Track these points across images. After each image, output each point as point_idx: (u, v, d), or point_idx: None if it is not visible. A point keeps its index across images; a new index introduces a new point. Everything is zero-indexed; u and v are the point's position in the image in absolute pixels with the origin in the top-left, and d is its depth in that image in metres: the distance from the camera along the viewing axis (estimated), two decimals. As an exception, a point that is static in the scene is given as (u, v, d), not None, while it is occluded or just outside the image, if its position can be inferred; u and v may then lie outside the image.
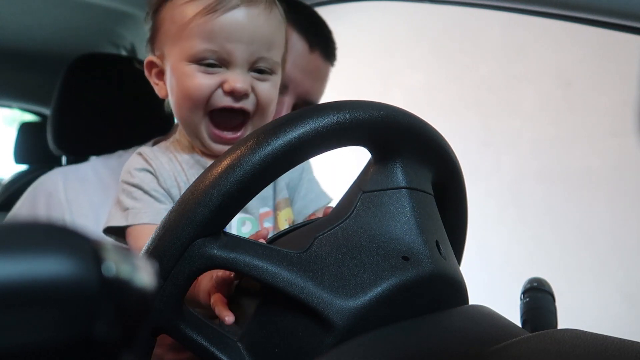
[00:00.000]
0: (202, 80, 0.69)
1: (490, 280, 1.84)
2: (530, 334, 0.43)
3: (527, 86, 1.86)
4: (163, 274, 0.45)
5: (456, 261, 0.55)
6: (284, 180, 0.81)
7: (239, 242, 0.47)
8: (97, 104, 1.17)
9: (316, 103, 1.02)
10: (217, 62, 0.70)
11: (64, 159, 1.55)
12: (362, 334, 0.44)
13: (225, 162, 0.45)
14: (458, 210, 0.64)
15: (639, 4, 0.66)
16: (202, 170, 0.73)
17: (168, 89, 0.75)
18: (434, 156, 0.56)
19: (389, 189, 0.52)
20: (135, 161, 0.75)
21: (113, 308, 0.21)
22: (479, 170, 1.94)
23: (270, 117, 0.76)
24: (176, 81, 0.72)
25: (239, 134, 0.73)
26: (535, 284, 0.68)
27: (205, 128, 0.72)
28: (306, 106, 0.98)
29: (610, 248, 1.68)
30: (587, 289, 1.71)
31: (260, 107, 0.73)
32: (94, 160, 1.04)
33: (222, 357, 0.47)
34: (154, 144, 0.96)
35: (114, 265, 0.21)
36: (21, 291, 0.19)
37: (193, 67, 0.70)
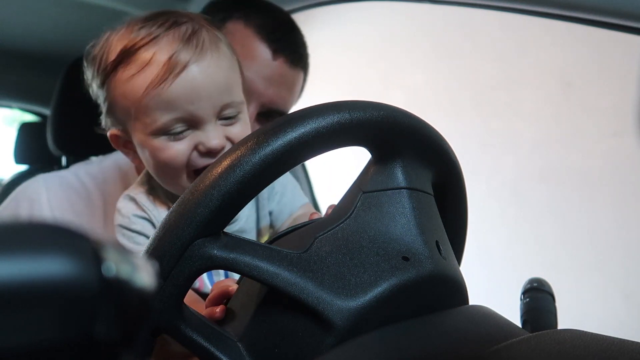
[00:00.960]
0: (177, 148, 0.67)
1: (491, 280, 1.84)
2: (530, 334, 0.43)
3: (527, 86, 1.86)
4: (163, 274, 0.45)
5: (456, 261, 0.55)
6: (266, 208, 0.81)
7: (239, 243, 0.47)
8: (97, 104, 1.17)
9: (285, 111, 0.97)
10: (184, 126, 0.67)
11: (63, 159, 1.55)
12: (362, 334, 0.44)
13: (226, 163, 0.45)
14: (458, 210, 0.64)
15: (639, 4, 0.66)
16: None
17: (142, 160, 0.72)
18: (434, 156, 0.56)
19: (389, 189, 0.52)
20: (130, 207, 0.73)
21: (113, 308, 0.21)
22: (479, 170, 1.94)
23: None
24: (150, 155, 0.69)
25: None
26: (535, 284, 0.68)
27: (189, 182, 0.69)
28: (274, 114, 0.95)
29: (611, 248, 1.67)
30: (587, 289, 1.71)
31: None
32: (75, 167, 1.01)
33: (222, 357, 0.47)
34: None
35: (114, 265, 0.21)
36: (21, 291, 0.19)
37: (162, 139, 0.67)
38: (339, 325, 0.45)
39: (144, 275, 0.23)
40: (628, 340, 0.39)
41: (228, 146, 0.69)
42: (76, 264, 0.20)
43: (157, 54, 0.66)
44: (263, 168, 0.45)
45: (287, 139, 0.45)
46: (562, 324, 0.60)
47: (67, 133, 1.21)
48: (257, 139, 0.45)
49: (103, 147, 1.10)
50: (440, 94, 2.14)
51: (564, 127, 1.77)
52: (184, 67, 0.65)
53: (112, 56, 0.69)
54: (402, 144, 0.52)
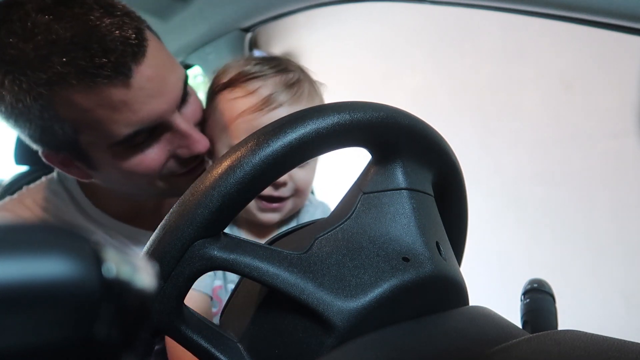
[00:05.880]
0: None
1: (491, 281, 1.84)
2: (531, 335, 0.43)
3: (527, 87, 1.86)
4: (163, 275, 0.45)
5: (456, 262, 0.55)
6: None
7: (239, 243, 0.47)
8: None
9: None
10: None
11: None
12: (363, 335, 0.44)
13: (226, 163, 0.45)
14: (458, 211, 0.64)
15: (639, 5, 0.66)
16: None
17: None
18: (434, 157, 0.56)
19: (389, 190, 0.52)
20: None
21: (113, 309, 0.21)
22: (479, 171, 1.94)
23: (306, 197, 0.84)
24: None
25: (282, 203, 0.80)
26: (535, 285, 0.68)
27: (255, 204, 0.80)
28: None
29: (611, 249, 1.67)
30: (587, 290, 1.71)
31: (297, 192, 0.80)
32: (21, 195, 0.94)
33: (223, 358, 0.47)
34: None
35: (114, 266, 0.21)
36: (21, 292, 0.19)
37: None
38: (339, 326, 0.45)
39: (144, 276, 0.23)
40: (628, 341, 0.39)
41: (290, 186, 0.80)
42: (76, 265, 0.20)
43: (262, 88, 0.76)
44: (263, 169, 0.45)
45: (287, 140, 0.45)
46: (562, 325, 0.60)
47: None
48: (257, 140, 0.45)
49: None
50: (441, 95, 2.14)
51: (564, 128, 1.77)
52: (279, 106, 0.76)
53: (225, 79, 0.80)
54: (402, 145, 0.52)
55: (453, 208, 0.63)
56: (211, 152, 0.83)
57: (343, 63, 2.39)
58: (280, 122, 0.47)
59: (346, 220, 0.50)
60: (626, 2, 0.67)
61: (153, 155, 0.77)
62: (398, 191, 0.52)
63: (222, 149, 0.79)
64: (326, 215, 0.89)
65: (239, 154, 0.45)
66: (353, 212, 0.51)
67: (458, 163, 0.59)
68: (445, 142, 0.56)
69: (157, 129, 0.76)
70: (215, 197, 0.44)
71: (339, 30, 2.39)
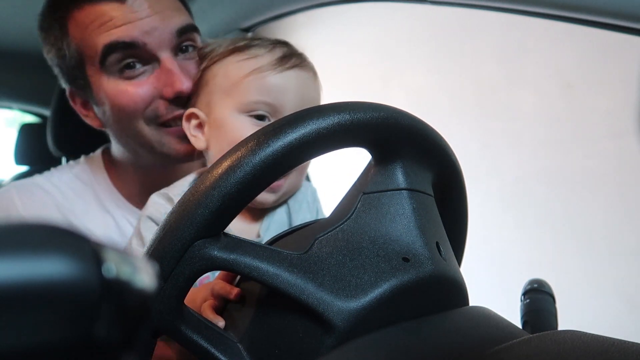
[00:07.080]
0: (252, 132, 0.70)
1: (491, 281, 1.84)
2: (531, 335, 0.43)
3: (527, 88, 1.86)
4: (163, 275, 0.45)
5: (456, 262, 0.55)
6: None
7: (239, 243, 0.47)
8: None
9: None
10: (267, 113, 0.73)
11: (63, 160, 1.55)
12: (363, 335, 0.44)
13: (226, 164, 0.45)
14: (458, 211, 0.64)
15: (639, 5, 0.66)
16: None
17: (211, 140, 0.77)
18: (435, 157, 0.56)
19: (389, 190, 0.52)
20: (162, 203, 0.79)
21: (113, 309, 0.21)
22: (479, 172, 1.94)
23: (303, 178, 0.82)
24: (226, 132, 0.75)
25: (280, 182, 0.76)
26: (535, 285, 0.68)
27: None
28: None
29: (611, 249, 1.67)
30: (587, 290, 1.71)
31: (298, 169, 0.77)
32: (48, 174, 0.97)
33: (223, 358, 0.47)
34: (103, 152, 0.99)
35: (114, 266, 0.21)
36: (21, 292, 0.19)
37: (244, 118, 0.73)
38: (339, 326, 0.45)
39: (144, 276, 0.23)
40: (628, 341, 0.39)
41: None
42: (76, 265, 0.20)
43: (270, 53, 0.76)
44: (263, 169, 0.45)
45: (287, 140, 0.45)
46: (562, 325, 0.60)
47: (67, 134, 1.21)
48: (257, 140, 0.45)
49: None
50: (441, 95, 2.14)
51: (563, 128, 1.77)
52: (290, 68, 0.75)
53: (228, 48, 0.79)
54: (403, 145, 0.52)
55: (453, 208, 0.63)
56: (202, 124, 0.78)
57: (343, 63, 2.39)
58: (280, 122, 0.47)
59: (346, 220, 0.50)
60: (626, 2, 0.67)
61: (138, 88, 0.81)
62: (398, 191, 0.52)
63: (223, 114, 0.74)
64: (316, 198, 0.88)
65: (239, 154, 0.45)
66: (353, 213, 0.51)
67: (458, 163, 0.59)
68: (445, 142, 0.56)
69: (145, 60, 0.82)
70: (215, 197, 0.44)
71: (339, 30, 2.39)
